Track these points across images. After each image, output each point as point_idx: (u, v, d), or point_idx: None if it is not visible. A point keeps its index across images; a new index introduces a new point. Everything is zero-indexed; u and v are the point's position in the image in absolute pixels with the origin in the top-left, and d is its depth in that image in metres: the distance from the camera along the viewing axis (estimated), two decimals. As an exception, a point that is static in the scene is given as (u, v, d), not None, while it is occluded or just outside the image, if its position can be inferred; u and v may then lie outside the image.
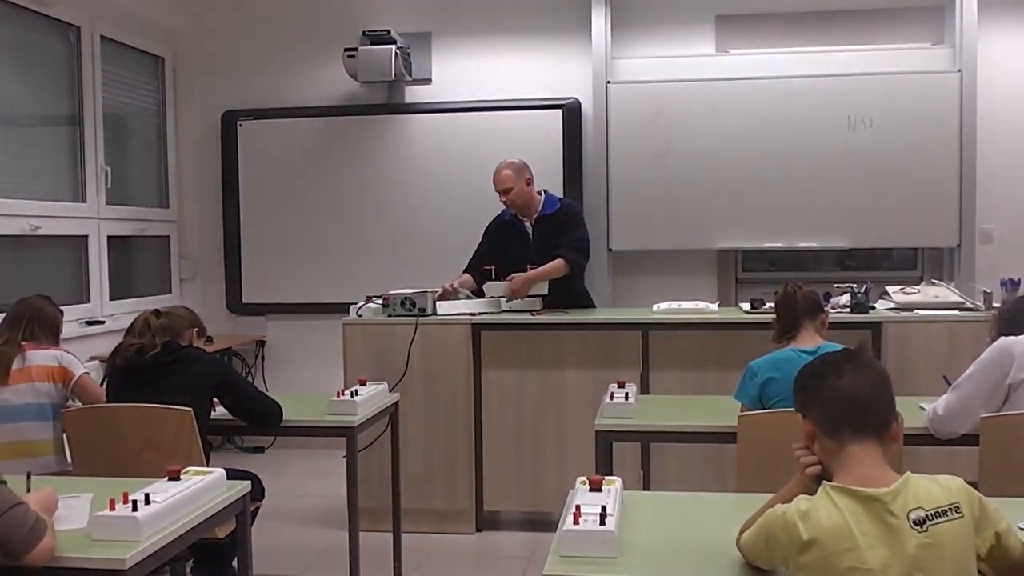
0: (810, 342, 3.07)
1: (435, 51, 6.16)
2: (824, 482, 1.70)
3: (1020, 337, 2.80)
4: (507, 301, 4.59)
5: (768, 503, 1.82)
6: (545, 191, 4.86)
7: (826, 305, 3.35)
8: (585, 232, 4.78)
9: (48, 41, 5.25)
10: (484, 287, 4.65)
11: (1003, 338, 2.85)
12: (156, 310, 3.31)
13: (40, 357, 3.41)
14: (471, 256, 4.88)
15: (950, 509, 1.63)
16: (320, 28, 6.26)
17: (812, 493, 1.70)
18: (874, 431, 1.73)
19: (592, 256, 4.90)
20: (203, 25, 6.40)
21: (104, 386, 3.33)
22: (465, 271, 4.84)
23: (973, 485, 1.73)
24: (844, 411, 1.75)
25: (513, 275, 4.55)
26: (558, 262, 4.60)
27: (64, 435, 3.26)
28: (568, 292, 4.71)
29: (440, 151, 6.10)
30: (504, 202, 4.71)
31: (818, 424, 1.79)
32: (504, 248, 4.76)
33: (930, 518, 1.61)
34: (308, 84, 6.28)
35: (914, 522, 1.60)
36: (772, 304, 3.27)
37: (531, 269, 4.55)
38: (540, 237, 4.73)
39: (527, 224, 4.77)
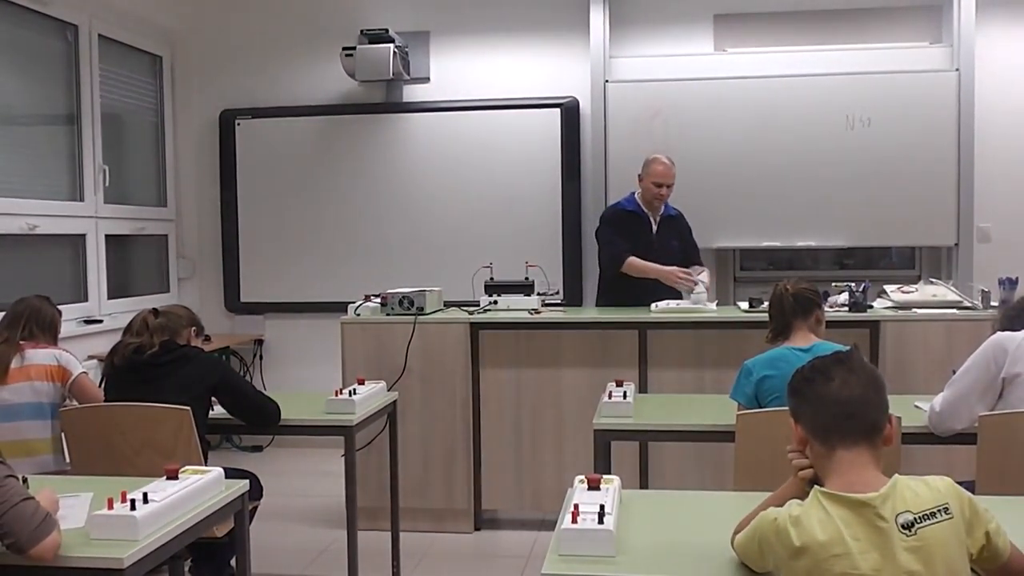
0: (804, 340, 3.07)
1: (433, 50, 6.15)
2: (815, 487, 1.69)
3: (1014, 332, 2.81)
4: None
5: (762, 505, 1.82)
6: None
7: (824, 303, 3.34)
8: None
9: (46, 40, 5.24)
10: (691, 298, 4.65)
11: (997, 333, 2.85)
12: (154, 309, 3.31)
13: (39, 356, 3.42)
14: (613, 244, 4.84)
15: (939, 511, 1.62)
16: (318, 27, 6.25)
17: (806, 496, 1.69)
18: (865, 436, 1.71)
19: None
20: (201, 24, 6.39)
21: (102, 385, 3.33)
22: (627, 255, 4.80)
23: (971, 484, 1.72)
24: (833, 417, 1.73)
25: (700, 273, 4.76)
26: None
27: (62, 434, 3.26)
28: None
29: (438, 150, 6.09)
30: (661, 196, 4.83)
31: (808, 429, 1.78)
32: (630, 236, 4.85)
33: (918, 521, 1.60)
34: (306, 83, 6.28)
35: (902, 526, 1.59)
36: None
37: (651, 262, 4.72)
38: (662, 235, 4.90)
39: (651, 219, 4.89)
